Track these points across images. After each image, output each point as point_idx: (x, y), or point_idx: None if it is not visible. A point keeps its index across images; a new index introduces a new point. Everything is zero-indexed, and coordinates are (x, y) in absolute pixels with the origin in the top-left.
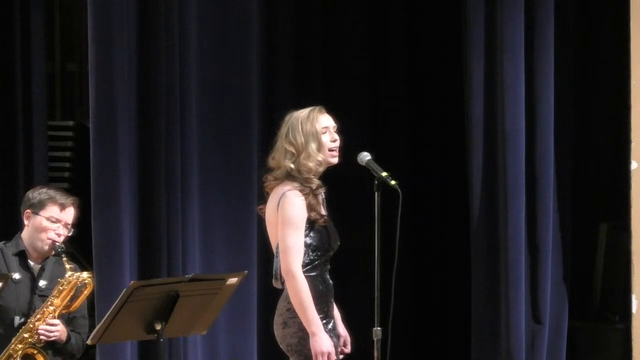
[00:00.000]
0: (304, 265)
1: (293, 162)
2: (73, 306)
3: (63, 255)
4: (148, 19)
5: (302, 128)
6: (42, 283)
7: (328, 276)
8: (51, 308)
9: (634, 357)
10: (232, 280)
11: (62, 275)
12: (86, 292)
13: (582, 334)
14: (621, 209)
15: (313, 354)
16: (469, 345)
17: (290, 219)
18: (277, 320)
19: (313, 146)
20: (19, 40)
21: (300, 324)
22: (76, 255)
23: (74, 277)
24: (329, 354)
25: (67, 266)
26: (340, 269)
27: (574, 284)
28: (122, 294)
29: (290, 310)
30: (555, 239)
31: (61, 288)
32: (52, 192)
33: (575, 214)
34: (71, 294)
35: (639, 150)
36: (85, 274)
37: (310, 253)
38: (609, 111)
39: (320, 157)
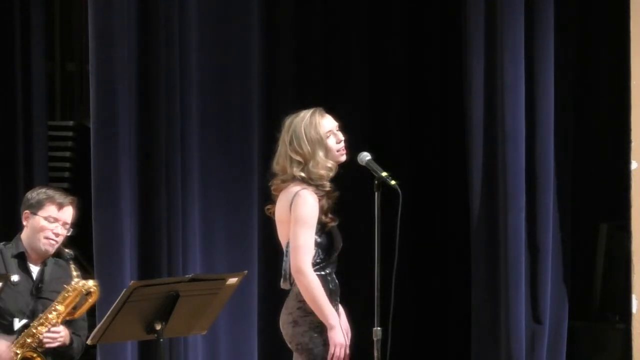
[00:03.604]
0: (315, 264)
1: (302, 170)
2: (77, 314)
3: (71, 262)
4: (148, 19)
5: (306, 136)
6: (41, 285)
7: (334, 276)
8: (54, 314)
9: (634, 357)
10: (232, 280)
11: (62, 277)
12: (91, 300)
13: (582, 334)
14: (621, 209)
15: (331, 345)
16: (469, 345)
17: (303, 218)
18: (286, 319)
19: (321, 154)
20: (19, 40)
21: (311, 322)
22: (76, 255)
23: (80, 284)
24: (345, 347)
25: (74, 273)
26: (340, 268)
27: (574, 284)
28: (122, 294)
29: (302, 308)
30: (555, 239)
31: (66, 295)
32: (50, 192)
33: (575, 214)
34: (76, 300)
35: (639, 150)
36: (91, 282)
37: (321, 253)
38: (609, 111)
39: (329, 164)
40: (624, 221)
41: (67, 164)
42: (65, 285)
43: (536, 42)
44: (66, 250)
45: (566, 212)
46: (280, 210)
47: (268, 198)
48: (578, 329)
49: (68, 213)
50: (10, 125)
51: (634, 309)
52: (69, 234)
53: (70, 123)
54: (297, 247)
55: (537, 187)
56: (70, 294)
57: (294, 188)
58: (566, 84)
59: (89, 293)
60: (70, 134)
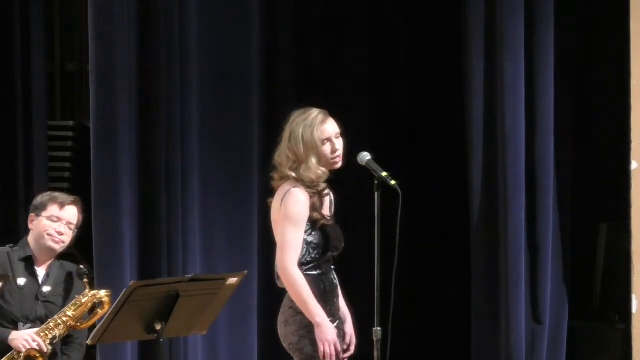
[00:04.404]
0: (306, 263)
1: (294, 171)
2: (84, 325)
3: (85, 278)
4: (148, 19)
5: (303, 138)
6: (45, 289)
7: (333, 276)
8: (64, 319)
9: (634, 357)
10: (232, 280)
11: (67, 281)
12: (101, 312)
13: (582, 334)
14: (621, 209)
15: (319, 342)
16: (469, 345)
17: (291, 215)
18: (280, 319)
19: (313, 160)
20: (19, 40)
21: (301, 322)
22: (77, 255)
23: (91, 294)
24: (335, 344)
25: (87, 288)
26: (340, 269)
27: (574, 284)
28: (122, 294)
29: (292, 308)
30: (555, 239)
31: (78, 303)
32: (54, 194)
33: (575, 214)
34: (86, 309)
35: (639, 150)
36: (103, 292)
37: (312, 251)
38: (609, 111)
39: (320, 171)
40: (624, 221)
41: (67, 164)
42: (77, 295)
43: (536, 42)
44: (81, 266)
45: (566, 212)
46: (273, 209)
47: (269, 195)
48: (578, 329)
49: (71, 212)
50: (10, 125)
51: (634, 309)
52: (74, 235)
53: (70, 123)
54: (283, 244)
55: (537, 187)
56: (82, 302)
57: (287, 187)
58: (566, 84)
59: (100, 303)
60: (70, 134)
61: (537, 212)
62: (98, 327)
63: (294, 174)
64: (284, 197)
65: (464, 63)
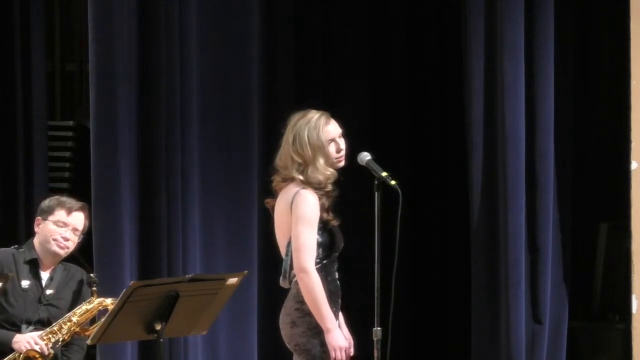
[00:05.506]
0: (315, 264)
1: (301, 174)
2: (88, 332)
3: (94, 286)
4: (148, 19)
5: (309, 140)
6: (48, 292)
7: (337, 278)
8: (69, 324)
9: (634, 357)
10: (232, 280)
11: (70, 285)
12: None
13: (582, 334)
14: (621, 209)
15: (330, 349)
16: (469, 345)
17: (304, 217)
18: (285, 320)
19: (321, 161)
20: (19, 40)
21: (309, 323)
22: (76, 256)
23: (97, 301)
24: (345, 349)
25: (94, 297)
26: (340, 269)
27: (574, 284)
28: (122, 294)
29: (299, 309)
30: (555, 239)
31: (84, 309)
32: (62, 199)
33: (575, 214)
34: (92, 316)
35: (639, 150)
36: (109, 300)
37: (321, 252)
38: (609, 111)
39: (328, 172)
40: (624, 221)
41: (67, 164)
42: (81, 299)
43: (536, 42)
44: (91, 275)
45: (566, 212)
46: (279, 212)
47: (268, 195)
48: (578, 329)
49: (77, 218)
50: (10, 125)
51: (634, 309)
52: (79, 240)
53: (70, 123)
54: (300, 246)
55: (537, 187)
56: (88, 308)
57: (294, 188)
58: (566, 84)
59: (106, 310)
60: (70, 134)
61: (537, 212)
62: (98, 327)
63: (301, 177)
64: (293, 199)
65: (464, 63)
